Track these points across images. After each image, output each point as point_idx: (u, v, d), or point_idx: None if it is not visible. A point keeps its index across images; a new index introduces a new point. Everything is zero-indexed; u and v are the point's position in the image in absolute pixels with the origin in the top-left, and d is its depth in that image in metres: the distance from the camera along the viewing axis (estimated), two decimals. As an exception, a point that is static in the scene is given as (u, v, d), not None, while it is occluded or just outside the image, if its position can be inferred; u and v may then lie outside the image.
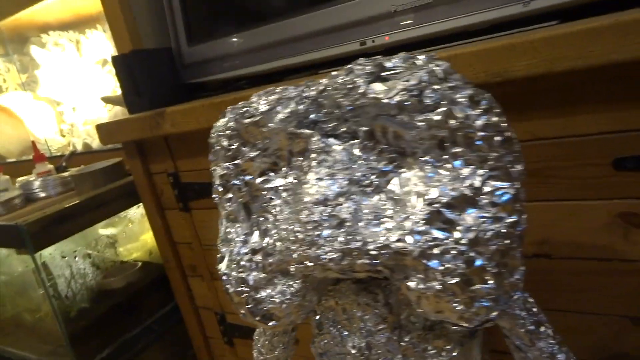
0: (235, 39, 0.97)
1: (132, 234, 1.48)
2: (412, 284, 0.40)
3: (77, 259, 1.04)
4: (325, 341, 0.54)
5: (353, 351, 0.50)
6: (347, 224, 0.40)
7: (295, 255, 0.42)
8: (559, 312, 0.70)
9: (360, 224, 0.40)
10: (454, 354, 0.47)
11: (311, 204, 0.41)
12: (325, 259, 0.40)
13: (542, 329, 0.46)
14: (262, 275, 0.47)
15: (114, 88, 1.52)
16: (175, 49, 1.07)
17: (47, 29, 1.67)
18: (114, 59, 1.03)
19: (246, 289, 0.48)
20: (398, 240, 0.38)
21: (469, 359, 0.48)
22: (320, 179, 0.41)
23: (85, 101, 1.61)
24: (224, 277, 0.50)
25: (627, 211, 0.60)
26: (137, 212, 1.39)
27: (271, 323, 0.48)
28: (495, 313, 0.39)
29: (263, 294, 0.47)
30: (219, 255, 0.51)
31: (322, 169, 0.42)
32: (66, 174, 1.16)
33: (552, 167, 0.63)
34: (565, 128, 0.61)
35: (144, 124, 0.92)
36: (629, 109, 0.57)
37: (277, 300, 0.47)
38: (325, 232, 0.40)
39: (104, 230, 1.41)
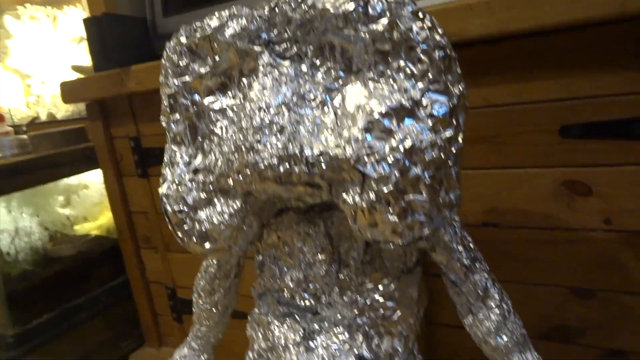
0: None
1: (89, 214, 1.44)
2: (348, 197, 0.40)
3: (24, 215, 1.00)
4: (265, 280, 0.53)
5: (291, 284, 0.49)
6: (287, 131, 0.40)
7: (235, 165, 0.42)
8: (504, 282, 0.70)
9: (301, 132, 0.40)
10: (391, 288, 0.47)
11: (253, 110, 0.41)
12: (263, 165, 0.40)
13: (478, 264, 0.46)
14: (202, 196, 0.46)
15: (88, 64, 1.50)
16: (150, 19, 1.07)
17: (25, 2, 1.64)
18: (86, 20, 1.02)
19: (185, 208, 0.47)
20: (336, 147, 0.38)
21: (405, 295, 0.47)
22: (264, 88, 0.41)
23: (56, 76, 1.58)
24: (164, 199, 0.48)
25: (571, 179, 0.62)
26: (96, 190, 1.35)
27: (207, 245, 0.46)
28: (428, 230, 0.39)
29: (201, 214, 0.46)
30: (160, 179, 0.50)
31: (268, 80, 0.42)
32: (24, 136, 1.13)
33: (503, 134, 0.65)
34: (517, 95, 0.63)
35: (108, 81, 0.90)
36: (576, 76, 0.59)
37: (215, 221, 0.46)
38: (265, 138, 0.40)
39: (62, 209, 1.37)
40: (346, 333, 0.47)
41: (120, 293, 1.13)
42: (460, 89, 0.39)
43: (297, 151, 0.39)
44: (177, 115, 0.49)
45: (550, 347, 0.69)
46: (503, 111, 0.64)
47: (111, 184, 1.06)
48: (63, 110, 1.40)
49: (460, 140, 0.39)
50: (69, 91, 0.98)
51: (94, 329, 1.08)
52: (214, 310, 0.60)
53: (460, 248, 0.46)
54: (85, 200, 1.26)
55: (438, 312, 0.77)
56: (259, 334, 0.53)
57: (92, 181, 1.37)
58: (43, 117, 1.41)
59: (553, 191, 0.63)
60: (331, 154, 0.38)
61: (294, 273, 0.49)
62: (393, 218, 0.38)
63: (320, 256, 0.48)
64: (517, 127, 0.64)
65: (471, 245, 0.47)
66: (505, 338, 0.44)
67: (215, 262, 0.58)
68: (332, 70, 0.42)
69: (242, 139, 0.41)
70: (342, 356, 0.47)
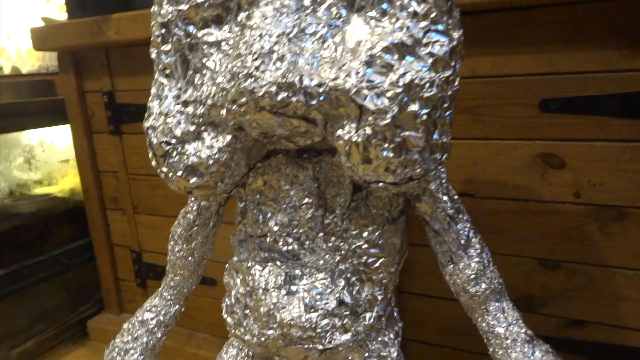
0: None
1: (52, 179, 1.37)
2: (343, 133, 0.40)
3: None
4: (247, 226, 0.52)
5: (275, 228, 0.49)
6: (287, 60, 0.39)
7: (230, 94, 0.41)
8: (476, 252, 0.72)
9: (300, 64, 0.39)
10: (375, 235, 0.47)
11: (253, 37, 0.40)
12: (260, 92, 0.39)
13: (461, 215, 0.47)
14: (191, 128, 0.45)
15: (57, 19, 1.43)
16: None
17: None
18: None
19: (172, 140, 0.45)
20: (336, 79, 0.38)
21: (388, 243, 0.48)
22: (265, 17, 0.41)
23: (22, 31, 1.51)
24: (149, 131, 0.47)
25: (546, 152, 0.64)
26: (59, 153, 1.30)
27: (193, 180, 0.45)
28: (420, 170, 0.40)
29: (189, 148, 0.45)
30: (146, 114, 0.49)
31: (269, 10, 0.41)
32: (-14, 86, 1.07)
33: (486, 105, 0.66)
34: (500, 67, 0.64)
35: (86, 29, 0.87)
36: (557, 52, 0.61)
37: (203, 155, 0.45)
38: (264, 65, 0.39)
39: (21, 172, 1.30)
40: (328, 278, 0.47)
41: (81, 255, 1.09)
42: (459, 34, 0.40)
43: (296, 80, 0.39)
44: (168, 47, 0.47)
45: (514, 315, 0.71)
46: (486, 82, 0.66)
47: (80, 141, 1.01)
48: (29, 65, 1.33)
49: (456, 84, 0.40)
50: (40, 38, 0.93)
51: (51, 290, 1.04)
52: (190, 259, 0.59)
53: (446, 198, 0.47)
54: (47, 164, 1.21)
55: (407, 281, 0.78)
56: (237, 280, 0.52)
57: (55, 144, 1.31)
58: (7, 70, 1.34)
59: (529, 163, 0.66)
60: (330, 85, 0.38)
61: (278, 217, 0.49)
62: (388, 154, 0.38)
63: (306, 200, 0.47)
64: (498, 99, 0.65)
65: (455, 197, 0.48)
66: (484, 286, 0.45)
67: (194, 209, 0.57)
68: (334, 7, 0.41)
69: (239, 65, 0.40)
70: (323, 300, 0.47)
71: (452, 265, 0.47)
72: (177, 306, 0.62)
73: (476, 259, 0.46)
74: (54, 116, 1.01)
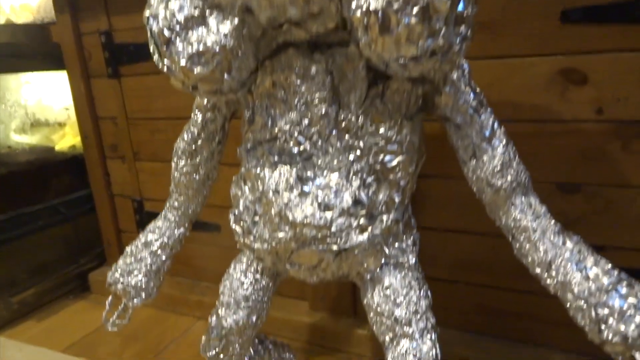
0: None
1: (50, 142, 1.34)
2: (360, 1, 0.36)
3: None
4: (255, 133, 0.49)
5: (286, 127, 0.46)
6: None
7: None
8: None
9: None
10: (392, 132, 0.45)
11: None
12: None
13: (484, 107, 0.45)
14: (195, 13, 0.42)
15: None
16: None
17: None
18: None
19: (175, 26, 0.42)
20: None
21: (405, 140, 0.45)
22: None
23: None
24: (150, 19, 0.44)
25: (567, 67, 0.61)
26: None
27: (198, 69, 0.42)
28: (443, 42, 0.37)
29: (193, 35, 0.42)
30: (146, 4, 0.45)
31: None
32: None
33: (503, 21, 0.63)
34: (520, -23, 0.61)
35: (80, -40, 0.83)
36: (582, -44, 0.58)
37: (209, 42, 0.42)
38: None
39: (19, 136, 1.27)
40: (343, 178, 0.45)
41: (82, 206, 1.06)
42: None
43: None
44: None
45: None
46: (504, -5, 0.62)
47: (77, 86, 0.98)
48: (23, 18, 1.29)
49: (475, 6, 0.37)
50: (33, -26, 0.89)
51: (51, 242, 1.01)
52: (195, 176, 0.56)
53: (468, 89, 0.44)
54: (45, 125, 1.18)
55: (417, 215, 0.75)
56: (246, 188, 0.50)
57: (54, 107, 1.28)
58: (1, 21, 1.30)
59: (548, 81, 0.63)
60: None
61: (289, 115, 0.46)
62: (409, 20, 0.35)
63: (319, 94, 0.44)
64: (516, 13, 0.62)
65: (477, 89, 0.45)
66: (509, 177, 0.43)
67: (199, 120, 0.54)
68: None
69: None
70: (338, 198, 0.44)
71: (474, 160, 0.44)
72: (181, 229, 0.59)
73: (501, 150, 0.43)
74: (50, 61, 0.98)
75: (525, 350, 0.72)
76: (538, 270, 0.42)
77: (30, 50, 0.94)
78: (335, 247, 0.44)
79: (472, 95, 0.44)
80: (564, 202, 0.66)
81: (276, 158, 0.47)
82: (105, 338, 0.90)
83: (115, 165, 1.02)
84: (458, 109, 0.44)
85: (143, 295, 0.57)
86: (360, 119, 0.45)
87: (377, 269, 0.48)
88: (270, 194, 0.46)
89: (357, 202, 0.44)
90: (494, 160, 0.43)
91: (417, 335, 0.45)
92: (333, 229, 0.44)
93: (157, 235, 0.58)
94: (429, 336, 0.45)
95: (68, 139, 1.35)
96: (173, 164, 0.57)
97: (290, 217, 0.44)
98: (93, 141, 1.01)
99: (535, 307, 0.71)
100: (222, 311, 0.52)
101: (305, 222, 0.44)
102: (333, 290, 0.84)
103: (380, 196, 0.46)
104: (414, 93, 0.45)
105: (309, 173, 0.46)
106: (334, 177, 0.45)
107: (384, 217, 0.46)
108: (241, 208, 0.49)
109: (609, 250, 0.65)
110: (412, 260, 0.48)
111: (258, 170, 0.48)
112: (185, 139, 0.55)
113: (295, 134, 0.46)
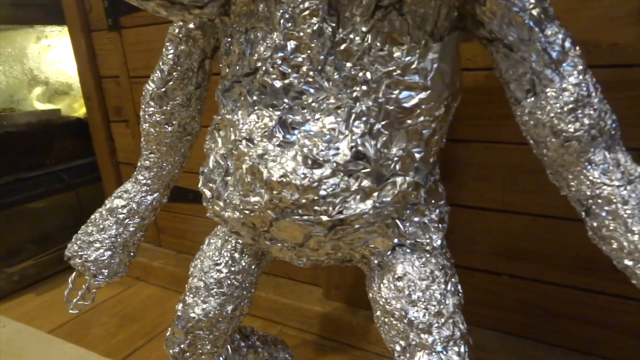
0: None
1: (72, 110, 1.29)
2: None
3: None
4: (232, 67, 0.37)
5: (266, 53, 0.34)
6: None
7: None
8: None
9: None
10: (411, 56, 0.31)
11: None
12: None
13: (550, 15, 0.30)
14: None
15: None
16: None
17: None
18: None
19: None
20: None
21: (432, 68, 0.32)
22: None
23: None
24: None
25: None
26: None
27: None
28: None
29: None
30: None
31: None
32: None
33: None
34: None
35: None
36: None
37: None
38: None
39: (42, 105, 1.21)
40: (341, 122, 0.32)
41: (85, 175, 0.99)
42: None
43: None
44: None
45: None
46: None
47: (77, 41, 0.90)
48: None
49: None
50: None
51: (53, 210, 0.94)
52: (167, 127, 0.45)
53: (526, -7, 0.30)
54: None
55: (453, 189, 0.61)
56: (219, 139, 0.38)
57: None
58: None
59: (632, 12, 0.47)
60: None
61: (270, 37, 0.33)
62: None
63: (309, 3, 0.32)
64: None
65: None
66: (586, 121, 0.28)
67: (170, 55, 0.43)
68: None
69: None
70: (331, 150, 0.31)
71: (533, 96, 0.30)
72: (155, 194, 0.48)
73: (574, 79, 0.29)
74: (50, 14, 0.90)
75: (584, 363, 0.57)
76: (628, 261, 0.28)
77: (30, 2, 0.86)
78: (325, 218, 0.32)
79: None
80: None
81: (255, 97, 0.35)
82: (101, 318, 0.83)
83: (120, 130, 0.93)
84: (510, 21, 0.30)
85: (106, 273, 0.47)
86: (368, 39, 0.32)
87: (388, 252, 0.35)
88: (243, 144, 0.34)
89: (358, 155, 0.31)
90: (564, 95, 0.29)
91: (438, 347, 0.32)
92: (322, 191, 0.31)
93: (125, 201, 0.47)
94: (455, 349, 0.32)
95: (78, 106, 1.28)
96: (141, 113, 0.46)
97: (265, 174, 0.32)
98: (96, 103, 0.92)
99: (596, 310, 0.56)
100: (189, 298, 0.41)
101: (284, 180, 0.31)
102: (348, 278, 0.71)
103: (394, 149, 0.33)
104: (445, 3, 0.31)
105: (297, 117, 0.33)
106: (329, 120, 0.32)
107: (398, 180, 0.33)
108: (211, 165, 0.38)
109: None
110: (437, 241, 0.35)
111: (233, 115, 0.36)
112: (154, 80, 0.44)
113: (278, 62, 0.33)
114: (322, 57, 0.32)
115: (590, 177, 0.29)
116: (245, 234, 0.37)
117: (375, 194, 0.32)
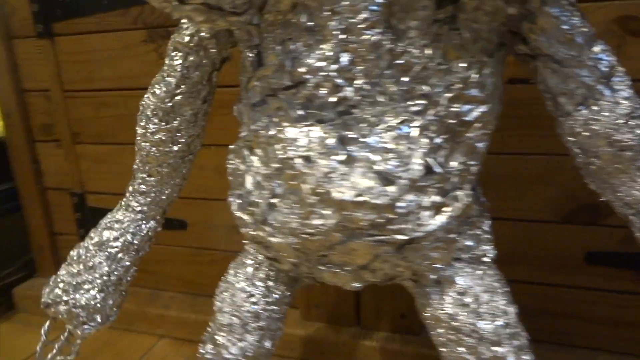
0: None
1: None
2: None
3: None
4: (267, 79, 0.34)
5: (317, 64, 0.31)
6: None
7: None
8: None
9: None
10: (473, 70, 0.31)
11: None
12: None
13: (594, 36, 0.32)
14: None
15: None
16: None
17: None
18: None
19: None
20: None
21: (489, 83, 0.32)
22: None
23: None
24: None
25: (625, 14, 0.51)
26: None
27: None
28: None
29: None
30: None
31: None
32: None
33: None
34: None
35: None
36: None
37: None
38: None
39: None
40: (406, 138, 0.31)
41: (3, 204, 0.85)
42: None
43: None
44: None
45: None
46: None
47: (-6, 50, 0.77)
48: None
49: None
50: None
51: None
52: (172, 147, 0.40)
53: (574, 10, 0.32)
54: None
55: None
56: (254, 158, 0.35)
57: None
58: None
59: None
60: None
61: (319, 48, 0.31)
62: None
63: (364, 15, 0.30)
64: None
65: (584, 17, 0.33)
66: (638, 131, 0.31)
67: (178, 66, 0.38)
68: None
69: None
70: (400, 165, 0.30)
71: (586, 109, 0.32)
72: (151, 222, 0.43)
73: (626, 93, 0.31)
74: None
75: (566, 354, 0.62)
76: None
77: None
78: (399, 237, 0.30)
79: (579, 21, 0.32)
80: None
81: (299, 112, 0.33)
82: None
83: (48, 151, 0.82)
84: (559, 38, 0.32)
85: (98, 318, 0.40)
86: (426, 53, 0.31)
87: (446, 267, 0.34)
88: (300, 163, 0.31)
89: (428, 170, 0.31)
90: (619, 107, 0.31)
91: (511, 358, 0.32)
92: (398, 209, 0.30)
93: (118, 233, 0.41)
94: (525, 357, 0.32)
95: None
96: (140, 131, 0.40)
97: (335, 195, 0.30)
98: (17, 120, 0.80)
99: (574, 305, 0.61)
100: (221, 337, 0.36)
101: (359, 200, 0.29)
102: (330, 296, 0.70)
103: (454, 163, 0.32)
104: (500, 16, 0.32)
105: (355, 132, 0.31)
106: (391, 135, 0.31)
107: (460, 194, 0.32)
108: (249, 187, 0.34)
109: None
110: (492, 252, 0.35)
111: (273, 130, 0.33)
112: (158, 93, 0.39)
113: (332, 75, 0.31)
114: (379, 69, 0.31)
115: (641, 182, 0.31)
116: (289, 260, 0.34)
117: (445, 209, 0.31)
